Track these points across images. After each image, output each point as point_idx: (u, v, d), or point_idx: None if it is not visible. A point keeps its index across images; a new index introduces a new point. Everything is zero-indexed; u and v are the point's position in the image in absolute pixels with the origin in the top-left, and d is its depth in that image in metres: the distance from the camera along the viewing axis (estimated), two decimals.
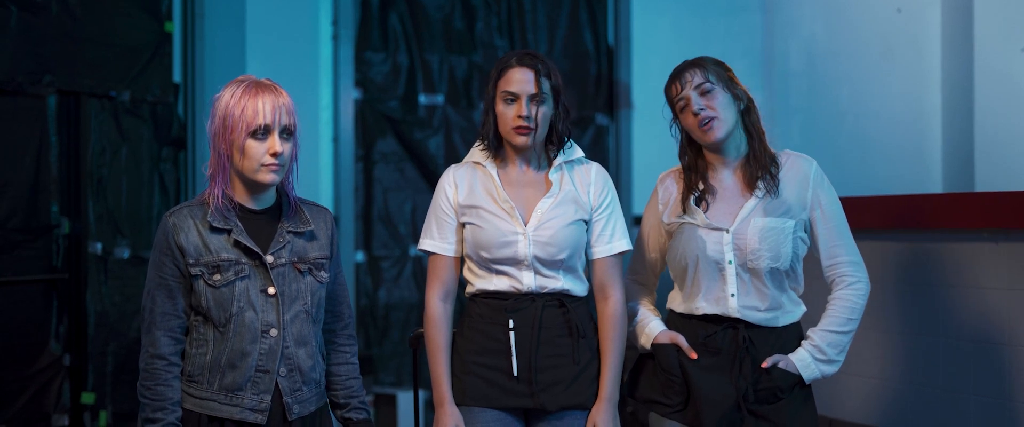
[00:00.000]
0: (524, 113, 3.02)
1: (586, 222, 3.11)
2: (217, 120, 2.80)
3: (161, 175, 5.47)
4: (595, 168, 3.16)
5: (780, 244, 3.04)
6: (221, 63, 5.65)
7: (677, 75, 3.10)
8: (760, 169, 3.08)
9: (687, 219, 3.12)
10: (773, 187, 3.07)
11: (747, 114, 3.11)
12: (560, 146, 3.11)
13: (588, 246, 3.13)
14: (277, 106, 2.79)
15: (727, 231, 3.07)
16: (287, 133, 2.82)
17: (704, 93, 3.05)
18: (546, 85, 3.04)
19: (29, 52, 4.87)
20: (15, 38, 4.82)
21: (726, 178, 3.14)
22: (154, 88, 5.41)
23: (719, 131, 3.06)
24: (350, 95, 5.98)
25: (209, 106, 5.71)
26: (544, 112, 3.04)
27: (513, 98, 3.04)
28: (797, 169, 3.12)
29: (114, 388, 5.22)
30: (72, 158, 5.11)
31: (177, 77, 5.63)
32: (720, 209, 3.11)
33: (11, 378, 4.84)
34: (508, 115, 3.05)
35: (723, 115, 3.05)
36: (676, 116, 3.14)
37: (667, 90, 3.12)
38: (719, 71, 3.08)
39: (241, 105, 2.77)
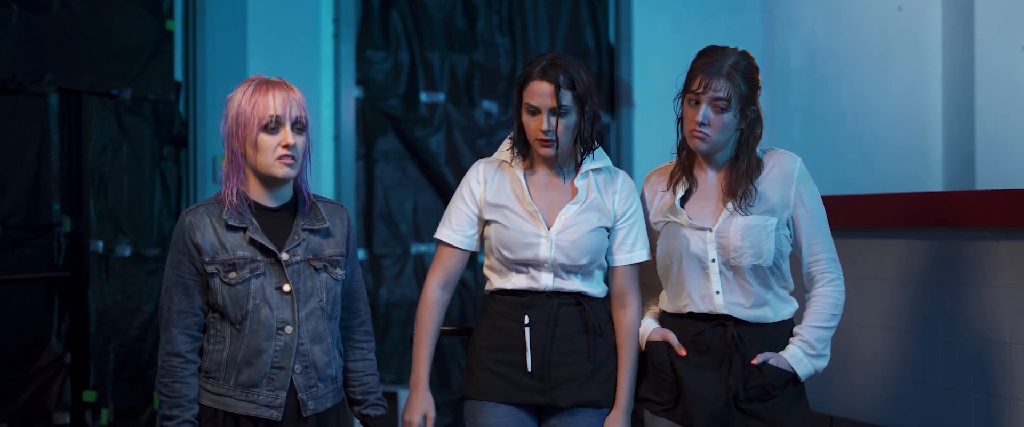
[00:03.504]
0: (545, 127, 3.03)
1: (608, 230, 3.12)
2: (230, 119, 2.82)
3: (162, 173, 5.47)
4: (622, 177, 3.18)
5: (762, 241, 3.05)
6: (222, 61, 5.65)
7: (706, 72, 3.02)
8: (740, 180, 3.07)
9: (671, 218, 3.13)
10: (749, 200, 3.06)
11: (750, 129, 3.08)
12: (587, 151, 3.11)
13: (609, 253, 3.14)
14: (288, 100, 2.81)
15: (710, 230, 3.08)
16: (299, 126, 2.84)
17: (717, 110, 3.02)
18: (568, 97, 3.03)
19: (30, 50, 4.88)
20: (16, 36, 4.83)
21: (710, 177, 3.14)
22: (155, 86, 5.42)
23: (704, 146, 3.06)
24: (351, 93, 5.98)
25: (210, 104, 5.74)
26: (566, 123, 3.04)
27: (535, 111, 3.05)
28: (781, 167, 3.11)
29: (115, 386, 5.23)
30: (73, 156, 5.11)
31: (178, 75, 5.63)
32: (704, 208, 3.12)
33: (12, 376, 4.84)
34: (531, 127, 3.06)
35: (717, 137, 3.04)
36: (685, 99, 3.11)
37: (689, 74, 3.07)
38: (742, 90, 3.02)
39: (252, 101, 2.79)
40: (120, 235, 5.29)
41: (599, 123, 3.12)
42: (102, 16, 5.18)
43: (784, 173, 3.11)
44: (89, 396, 5.11)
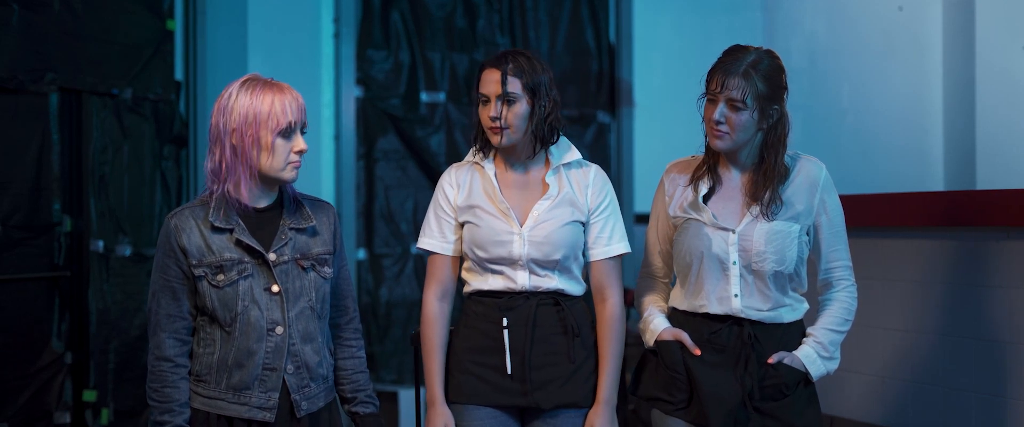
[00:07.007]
0: (492, 113, 3.05)
1: (583, 224, 3.12)
2: (234, 117, 2.79)
3: (163, 173, 5.48)
4: (594, 170, 3.17)
5: (786, 248, 3.04)
6: (223, 61, 5.65)
7: (724, 71, 3.00)
8: (765, 184, 3.06)
9: (693, 215, 3.11)
10: (774, 206, 3.05)
11: (772, 130, 3.05)
12: (544, 144, 3.10)
13: (586, 248, 3.14)
14: (300, 105, 2.83)
15: (733, 232, 3.06)
16: (304, 131, 2.86)
17: (733, 108, 3.00)
18: (515, 84, 3.04)
19: (31, 50, 4.88)
20: (17, 36, 4.83)
21: (735, 176, 3.13)
22: (156, 86, 5.42)
23: (723, 144, 3.03)
24: (352, 93, 5.99)
25: (211, 104, 5.72)
26: (515, 112, 3.05)
27: (486, 99, 3.08)
28: (807, 174, 3.10)
29: (116, 386, 5.23)
30: (74, 156, 5.11)
31: (179, 75, 5.63)
32: (727, 208, 3.10)
33: (13, 376, 4.84)
34: (483, 116, 3.09)
35: (737, 135, 3.02)
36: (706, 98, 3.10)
37: (709, 73, 3.05)
38: (760, 89, 2.98)
39: (268, 103, 2.78)
40: (121, 235, 5.29)
41: (556, 118, 3.10)
42: (103, 16, 5.17)
43: (809, 181, 3.10)
44: (89, 396, 5.11)
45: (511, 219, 3.08)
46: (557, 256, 3.07)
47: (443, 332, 3.15)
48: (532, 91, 3.05)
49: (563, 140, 3.16)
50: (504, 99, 3.04)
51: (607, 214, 3.14)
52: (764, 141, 3.07)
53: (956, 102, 6.33)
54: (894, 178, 6.33)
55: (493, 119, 3.05)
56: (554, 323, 3.09)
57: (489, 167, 3.14)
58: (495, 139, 3.07)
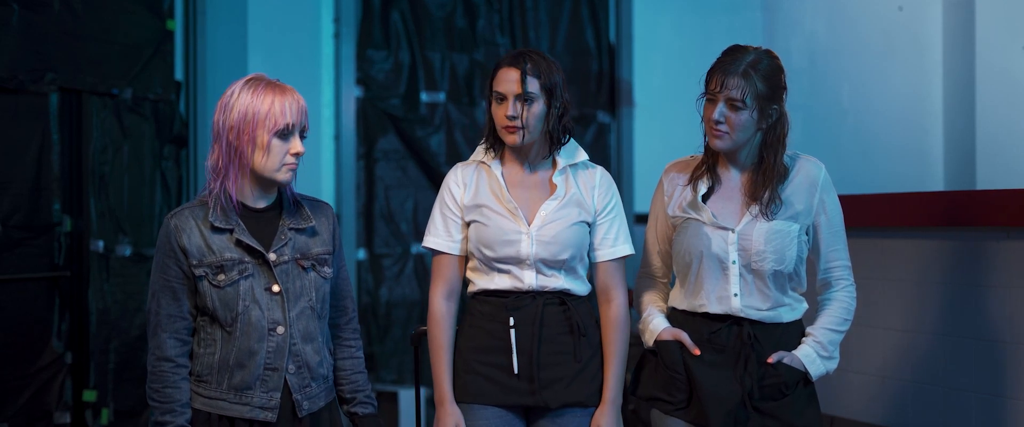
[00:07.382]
0: (510, 113, 3.04)
1: (589, 225, 3.12)
2: (234, 115, 2.80)
3: (163, 173, 5.48)
4: (600, 172, 3.18)
5: (785, 247, 3.05)
6: (223, 61, 5.65)
7: (724, 71, 3.01)
8: (764, 184, 3.06)
9: (693, 214, 3.11)
10: (773, 206, 3.05)
11: (771, 130, 3.06)
12: (557, 144, 3.11)
13: (591, 249, 3.15)
14: (300, 108, 2.83)
15: (733, 231, 3.07)
16: (304, 134, 2.86)
17: (733, 108, 3.00)
18: (534, 84, 3.04)
19: (31, 50, 4.88)
20: (17, 36, 4.83)
21: (734, 176, 3.13)
22: (156, 86, 5.42)
23: (723, 144, 3.04)
24: (352, 93, 5.99)
25: (211, 104, 5.73)
26: (533, 112, 3.05)
27: (502, 98, 3.06)
28: (806, 174, 3.10)
29: (116, 386, 5.23)
30: (74, 156, 5.11)
31: (179, 75, 5.63)
32: (726, 208, 3.10)
33: (13, 376, 4.84)
34: (498, 115, 3.08)
35: (736, 135, 3.02)
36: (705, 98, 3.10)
37: (708, 73, 3.05)
38: (759, 88, 2.99)
39: (268, 103, 2.79)
40: (121, 235, 5.29)
41: (569, 119, 3.11)
42: (103, 16, 5.18)
43: (808, 181, 3.10)
44: (89, 396, 5.11)
45: (519, 218, 3.08)
46: (565, 256, 3.07)
47: (451, 332, 3.16)
48: (549, 91, 3.06)
49: (571, 141, 3.17)
50: (523, 98, 3.04)
51: (613, 216, 3.16)
52: (763, 141, 3.07)
53: (956, 102, 6.33)
54: (894, 178, 6.34)
55: (511, 118, 3.04)
56: (560, 323, 3.10)
57: (496, 166, 3.14)
58: (511, 138, 3.06)
